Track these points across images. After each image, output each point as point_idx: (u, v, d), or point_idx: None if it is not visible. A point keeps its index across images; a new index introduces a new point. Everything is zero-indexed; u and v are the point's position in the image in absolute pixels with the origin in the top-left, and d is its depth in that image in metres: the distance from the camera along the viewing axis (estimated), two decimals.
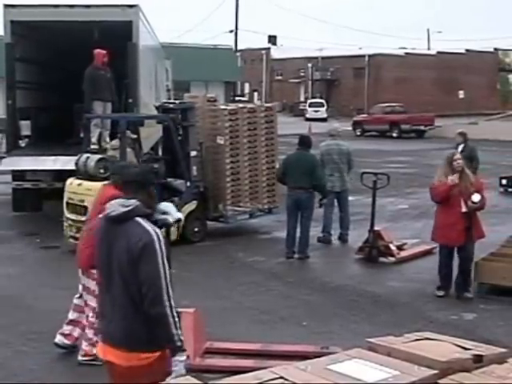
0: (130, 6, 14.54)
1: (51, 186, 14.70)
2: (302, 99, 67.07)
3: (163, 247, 4.32)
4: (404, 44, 72.81)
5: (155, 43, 20.87)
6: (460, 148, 15.68)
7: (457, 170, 9.21)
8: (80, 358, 7.19)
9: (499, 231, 12.34)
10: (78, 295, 7.46)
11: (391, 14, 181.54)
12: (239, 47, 57.11)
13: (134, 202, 4.36)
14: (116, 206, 4.38)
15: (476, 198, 9.03)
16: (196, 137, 13.00)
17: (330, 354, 7.07)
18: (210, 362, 7.15)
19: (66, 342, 7.47)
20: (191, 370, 6.75)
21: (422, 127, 41.50)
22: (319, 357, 7.00)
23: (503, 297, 9.30)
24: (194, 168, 12.77)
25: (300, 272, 11.33)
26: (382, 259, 11.65)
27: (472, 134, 16.60)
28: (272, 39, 76.68)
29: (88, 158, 12.30)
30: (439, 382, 2.99)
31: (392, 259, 11.61)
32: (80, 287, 7.37)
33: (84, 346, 7.20)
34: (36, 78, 17.07)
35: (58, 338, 7.48)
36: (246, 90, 72.05)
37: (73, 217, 11.94)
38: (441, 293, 9.58)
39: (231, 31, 56.46)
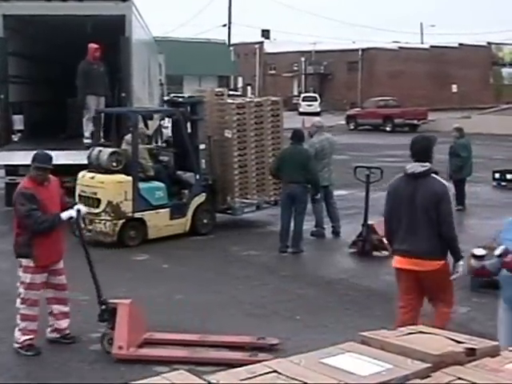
0: (123, 0, 14.46)
1: None
2: (296, 93, 67.02)
3: (451, 195, 6.77)
4: (397, 38, 72.91)
5: (148, 37, 20.83)
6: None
7: None
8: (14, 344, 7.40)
9: (492, 225, 12.37)
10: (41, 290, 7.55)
11: (384, 8, 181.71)
12: (232, 41, 57.19)
13: (428, 164, 6.60)
14: (416, 167, 6.58)
15: None
16: (204, 130, 13.14)
17: (266, 344, 7.29)
18: (144, 352, 7.23)
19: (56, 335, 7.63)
20: (124, 360, 6.88)
21: (416, 121, 41.51)
22: (256, 347, 7.23)
23: (496, 290, 9.31)
24: (203, 161, 12.95)
25: (294, 266, 11.35)
26: (375, 253, 11.67)
27: (465, 128, 16.63)
28: (265, 33, 76.55)
29: (100, 151, 12.45)
30: (432, 375, 3.00)
31: (385, 253, 11.60)
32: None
33: (16, 332, 7.39)
34: (29, 72, 17.02)
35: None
36: (240, 84, 71.99)
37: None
38: None
39: (224, 25, 56.45)
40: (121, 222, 11.97)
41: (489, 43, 69.56)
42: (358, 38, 71.60)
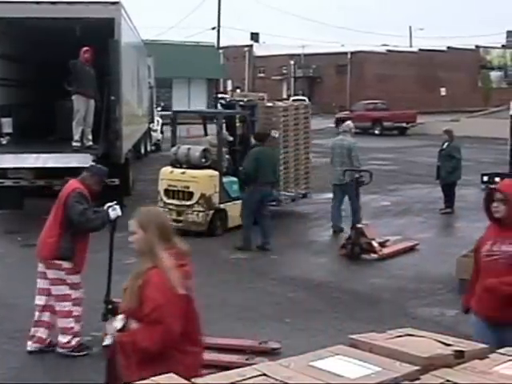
0: (112, 3, 14.49)
1: (33, 184, 14.61)
2: (285, 96, 67.05)
3: None
4: (386, 41, 72.52)
5: (137, 40, 20.81)
6: (445, 146, 15.78)
7: None
8: (60, 350, 7.28)
9: (480, 228, 12.38)
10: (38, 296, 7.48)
11: (373, 12, 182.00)
12: (222, 44, 56.96)
13: None
14: None
15: None
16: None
17: (267, 348, 7.25)
18: None
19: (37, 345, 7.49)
20: None
21: (404, 124, 41.56)
22: (256, 351, 7.18)
23: None
24: None
25: (283, 269, 11.35)
26: (364, 256, 11.69)
27: (454, 131, 16.65)
28: (254, 36, 76.51)
29: (189, 149, 13.57)
30: (421, 377, 3.01)
31: (374, 256, 11.66)
32: (41, 283, 7.42)
33: (62, 337, 7.29)
34: (17, 74, 16.95)
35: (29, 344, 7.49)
36: (229, 87, 71.99)
37: (175, 202, 13.25)
38: None
39: (214, 28, 56.25)
40: (211, 212, 13.19)
41: (477, 46, 69.76)
42: (346, 42, 71.72)
